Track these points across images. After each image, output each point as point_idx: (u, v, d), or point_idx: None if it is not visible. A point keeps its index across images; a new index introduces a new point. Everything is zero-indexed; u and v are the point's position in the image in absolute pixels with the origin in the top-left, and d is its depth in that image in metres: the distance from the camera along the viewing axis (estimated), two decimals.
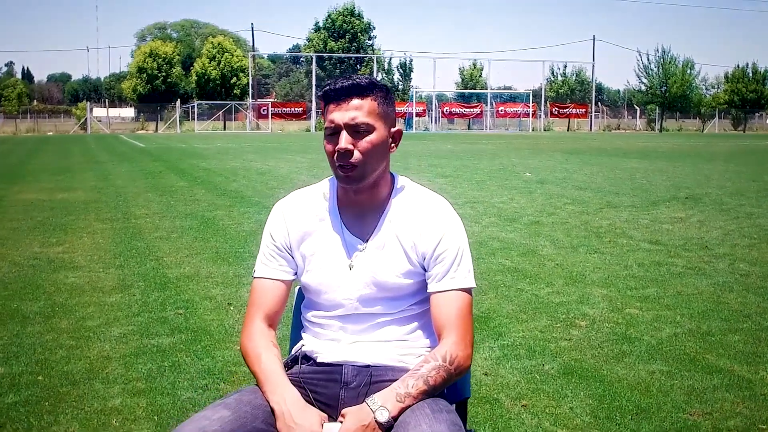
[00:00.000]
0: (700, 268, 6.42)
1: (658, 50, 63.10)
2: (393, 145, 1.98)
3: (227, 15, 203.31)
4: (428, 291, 1.96)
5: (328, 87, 1.92)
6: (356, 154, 1.87)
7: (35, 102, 79.97)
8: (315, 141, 33.19)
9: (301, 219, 2.02)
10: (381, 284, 1.96)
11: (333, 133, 1.90)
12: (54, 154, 24.38)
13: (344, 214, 2.00)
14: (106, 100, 64.62)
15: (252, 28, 63.54)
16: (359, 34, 63.49)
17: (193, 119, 53.50)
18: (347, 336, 1.99)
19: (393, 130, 1.97)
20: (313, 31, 64.92)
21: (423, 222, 1.96)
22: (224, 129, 53.40)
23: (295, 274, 2.06)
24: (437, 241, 1.95)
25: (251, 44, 66.11)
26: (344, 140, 1.87)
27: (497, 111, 59.79)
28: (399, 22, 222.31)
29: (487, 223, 8.84)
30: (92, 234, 8.12)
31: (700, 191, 12.38)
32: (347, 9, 63.52)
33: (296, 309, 2.17)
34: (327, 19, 63.50)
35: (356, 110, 1.88)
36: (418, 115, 56.54)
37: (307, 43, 65.63)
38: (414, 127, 54.50)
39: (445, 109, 59.29)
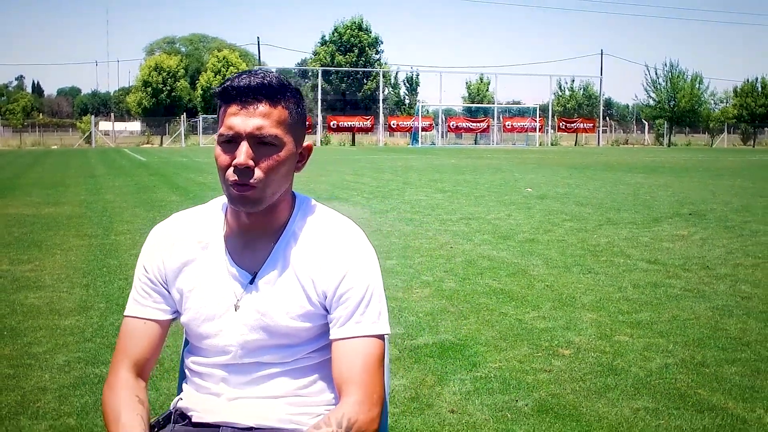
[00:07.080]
0: (699, 290, 6.05)
1: (666, 64, 62.65)
2: (300, 163, 1.63)
3: (236, 29, 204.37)
4: (330, 338, 1.61)
5: (229, 83, 1.55)
6: (257, 173, 1.51)
7: (41, 115, 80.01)
8: (319, 155, 32.81)
9: (179, 246, 1.66)
10: (270, 328, 1.60)
11: (230, 140, 1.53)
12: (52, 167, 24.14)
13: (231, 242, 1.64)
14: (113, 114, 64.48)
15: (258, 42, 63.30)
16: (367, 48, 63.11)
17: (199, 133, 53.33)
18: (229, 390, 1.63)
19: (303, 145, 1.63)
20: (319, 44, 64.58)
21: (325, 253, 1.60)
22: None
23: (175, 312, 1.70)
24: (341, 277, 1.59)
25: (257, 58, 66.10)
26: (244, 154, 1.50)
27: (504, 125, 59.36)
28: (405, 36, 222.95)
29: (479, 241, 8.48)
30: (66, 251, 7.81)
31: (705, 207, 11.98)
32: (354, 23, 63.20)
33: (182, 355, 1.83)
34: (334, 33, 63.26)
35: (263, 118, 1.51)
36: (424, 129, 56.21)
37: (313, 56, 65.18)
38: (420, 141, 54.19)
39: (451, 124, 59.01)
